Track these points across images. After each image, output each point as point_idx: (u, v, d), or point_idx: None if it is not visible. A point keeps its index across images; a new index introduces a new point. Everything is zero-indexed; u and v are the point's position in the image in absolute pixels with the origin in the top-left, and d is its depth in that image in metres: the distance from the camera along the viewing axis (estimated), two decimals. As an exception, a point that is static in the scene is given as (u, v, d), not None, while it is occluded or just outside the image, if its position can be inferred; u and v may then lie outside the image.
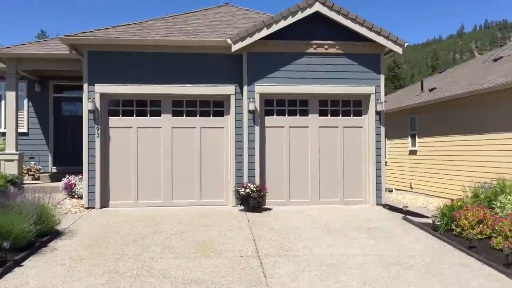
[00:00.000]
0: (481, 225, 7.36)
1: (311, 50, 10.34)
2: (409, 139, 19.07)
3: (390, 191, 20.46)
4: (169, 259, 6.29)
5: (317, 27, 10.30)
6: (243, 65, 10.23)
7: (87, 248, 6.81)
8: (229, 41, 9.89)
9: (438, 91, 17.67)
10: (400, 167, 20.25)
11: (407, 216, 9.28)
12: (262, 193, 9.68)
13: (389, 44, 10.20)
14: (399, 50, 10.24)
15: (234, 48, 9.90)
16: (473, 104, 14.23)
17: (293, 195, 10.47)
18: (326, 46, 10.37)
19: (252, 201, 9.55)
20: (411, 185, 18.61)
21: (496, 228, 6.97)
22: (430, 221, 8.48)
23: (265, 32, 9.96)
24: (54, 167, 13.49)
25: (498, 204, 8.00)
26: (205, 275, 5.66)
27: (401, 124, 19.55)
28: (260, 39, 10.03)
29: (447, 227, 7.95)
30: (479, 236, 7.29)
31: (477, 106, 14.00)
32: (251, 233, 7.76)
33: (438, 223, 8.15)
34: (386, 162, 20.98)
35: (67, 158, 13.25)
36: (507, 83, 12.19)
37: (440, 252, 6.80)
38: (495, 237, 6.91)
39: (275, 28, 9.98)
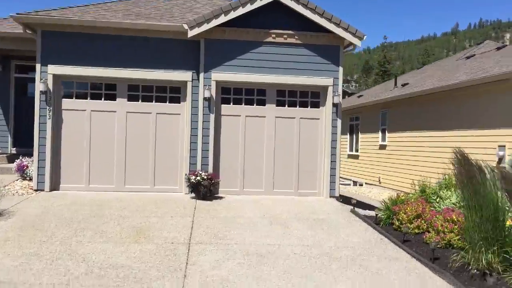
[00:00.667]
0: (419, 220, 7.38)
1: (270, 39, 10.24)
2: (380, 133, 19.12)
3: (361, 185, 20.61)
4: (96, 244, 6.21)
5: (277, 16, 10.20)
6: (200, 52, 10.09)
7: (18, 230, 6.70)
8: (185, 26, 9.74)
9: (409, 87, 17.72)
10: (371, 161, 20.32)
11: (356, 209, 9.29)
12: (213, 181, 9.62)
13: (348, 36, 10.13)
14: (357, 42, 10.18)
15: (191, 33, 9.76)
16: (439, 101, 14.28)
17: (247, 185, 10.42)
18: (285, 36, 10.27)
19: (203, 189, 9.49)
20: (379, 180, 18.71)
21: (431, 222, 7.00)
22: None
23: (222, 19, 9.83)
24: (14, 148, 13.27)
25: (438, 199, 8.04)
26: (127, 260, 5.60)
27: (373, 118, 19.60)
28: (218, 25, 9.90)
29: (389, 220, 7.97)
30: (416, 231, 7.33)
31: (443, 103, 14.05)
32: (192, 221, 7.70)
33: (382, 216, 8.17)
34: (357, 156, 21.16)
35: (28, 140, 12.94)
36: (468, 81, 12.23)
37: (375, 245, 6.81)
38: (429, 232, 6.94)
39: (233, 15, 9.85)
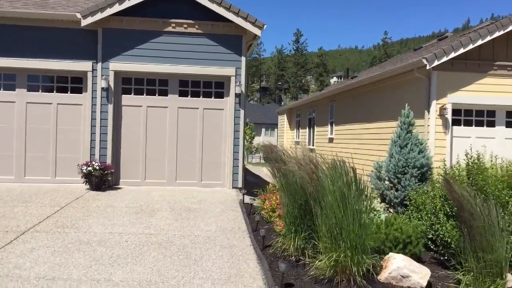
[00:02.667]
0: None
1: (170, 28, 10.13)
2: (329, 127, 19.00)
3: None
4: None
5: (177, 5, 10.10)
6: (98, 41, 9.98)
7: None
8: (78, 15, 9.63)
9: (355, 79, 17.56)
10: (324, 154, 20.13)
11: (245, 199, 9.18)
12: (106, 171, 9.53)
13: (247, 26, 10.01)
14: (257, 32, 10.06)
15: (84, 23, 9.66)
16: (368, 93, 14.12)
17: (149, 176, 10.33)
18: (185, 26, 10.16)
19: (95, 180, 9.41)
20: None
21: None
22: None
23: (117, 8, 9.72)
24: None
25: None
26: None
27: (325, 112, 19.49)
28: (114, 14, 9.79)
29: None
30: (278, 219, 7.22)
31: (371, 95, 13.90)
32: (57, 210, 7.62)
33: (257, 205, 8.08)
34: (313, 149, 21.04)
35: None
36: (380, 74, 12.14)
37: (225, 234, 6.72)
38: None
39: (128, 4, 9.75)
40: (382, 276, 5.00)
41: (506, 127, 10.52)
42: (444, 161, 7.31)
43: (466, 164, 5.88)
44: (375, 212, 6.73)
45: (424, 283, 4.81)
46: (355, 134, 15.29)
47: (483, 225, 4.36)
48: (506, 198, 5.38)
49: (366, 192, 6.06)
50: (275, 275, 5.04)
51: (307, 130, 22.53)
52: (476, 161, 6.02)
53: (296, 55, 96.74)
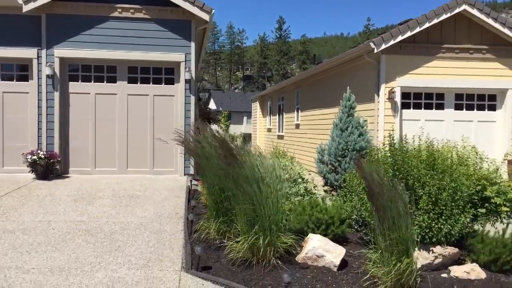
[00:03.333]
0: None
1: (116, 14, 9.96)
2: (295, 113, 19.01)
3: (283, 165, 20.49)
4: None
5: (123, -10, 9.89)
6: (41, 27, 9.76)
7: None
8: (20, 0, 9.37)
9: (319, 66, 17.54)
10: (292, 141, 20.23)
11: (193, 185, 9.16)
12: (52, 160, 9.39)
13: (195, 10, 9.89)
14: (206, 16, 9.95)
15: (26, 8, 9.43)
16: (329, 79, 14.11)
17: (99, 164, 10.21)
18: (132, 10, 9.99)
19: (40, 169, 9.26)
20: (294, 159, 18.60)
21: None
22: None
23: (60, -7, 9.48)
24: None
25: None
26: None
27: (292, 98, 19.48)
28: (57, 0, 9.55)
29: (204, 196, 7.86)
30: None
31: (331, 81, 13.90)
32: (-6, 200, 7.48)
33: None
34: (282, 136, 21.07)
35: None
36: (331, 61, 12.14)
37: (160, 219, 6.70)
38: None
39: (71, -11, 9.50)
40: (300, 257, 5.04)
41: (455, 109, 10.64)
42: (383, 143, 7.34)
43: (390, 145, 5.93)
44: (311, 195, 6.79)
45: (337, 262, 4.86)
46: (317, 119, 15.34)
47: (388, 204, 4.40)
48: (426, 178, 5.44)
49: (288, 177, 6.11)
50: (195, 259, 5.04)
51: (277, 117, 22.54)
52: (402, 142, 6.07)
53: (279, 43, 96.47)
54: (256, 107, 29.46)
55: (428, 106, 10.61)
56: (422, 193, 5.17)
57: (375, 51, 9.85)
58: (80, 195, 8.03)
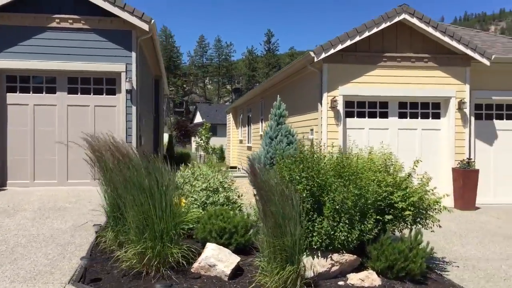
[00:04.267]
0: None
1: (54, 24, 9.86)
2: (260, 123, 18.98)
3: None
4: None
5: (61, 0, 9.81)
6: (-24, 39, 9.63)
7: None
8: (-48, 11, 9.23)
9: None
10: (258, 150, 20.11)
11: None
12: (-16, 173, 9.17)
13: (134, 20, 9.85)
14: (145, 26, 9.90)
15: (-41, 19, 9.26)
16: (285, 88, 14.07)
17: (38, 177, 10.03)
18: (70, 21, 9.91)
19: (-28, 181, 9.03)
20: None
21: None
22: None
23: (-5, 4, 9.37)
24: None
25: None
26: None
27: (257, 109, 19.46)
28: (-8, 10, 9.43)
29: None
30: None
31: (287, 90, 13.87)
32: None
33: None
34: (251, 147, 20.98)
35: None
36: (287, 68, 12.12)
37: (75, 231, 6.55)
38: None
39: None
40: (194, 267, 4.92)
41: (399, 118, 10.65)
42: (300, 151, 7.26)
43: (300, 152, 5.85)
44: (232, 204, 6.68)
45: (228, 272, 4.74)
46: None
47: (275, 210, 4.31)
48: (330, 185, 5.35)
49: (207, 186, 6.03)
50: (88, 271, 4.89)
51: (246, 128, 22.51)
52: (317, 149, 6.01)
53: (267, 56, 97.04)
54: (229, 118, 29.44)
55: (373, 115, 10.61)
56: (326, 200, 5.08)
57: (315, 60, 9.86)
58: (4, 208, 7.83)
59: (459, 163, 10.32)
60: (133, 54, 10.13)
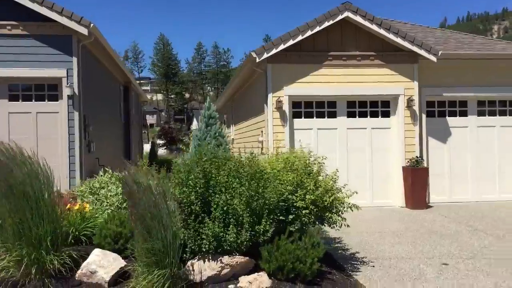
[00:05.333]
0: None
1: (-8, 31, 9.69)
2: (231, 127, 18.83)
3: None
4: None
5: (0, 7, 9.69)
6: None
7: None
8: None
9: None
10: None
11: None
12: None
13: (73, 25, 9.71)
14: (84, 31, 9.75)
15: None
16: (246, 90, 13.93)
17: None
18: (8, 27, 9.77)
19: None
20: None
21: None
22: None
23: None
24: None
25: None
26: None
27: (229, 113, 19.32)
28: None
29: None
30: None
31: (247, 92, 13.73)
32: None
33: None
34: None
35: None
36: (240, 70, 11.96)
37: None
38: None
39: None
40: (78, 274, 4.74)
41: (347, 117, 10.50)
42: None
43: (200, 152, 5.69)
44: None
45: (108, 278, 4.58)
46: (244, 132, 15.14)
47: (145, 213, 4.15)
48: (234, 185, 5.18)
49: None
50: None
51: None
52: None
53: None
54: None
55: (321, 115, 10.46)
56: (217, 202, 4.92)
57: (257, 60, 9.72)
58: None
59: (408, 161, 10.15)
60: (74, 59, 9.99)
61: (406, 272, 5.73)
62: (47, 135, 10.07)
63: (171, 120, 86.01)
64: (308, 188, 5.34)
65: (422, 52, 10.08)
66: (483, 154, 11.07)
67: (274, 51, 9.76)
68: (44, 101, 10.15)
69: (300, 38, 9.85)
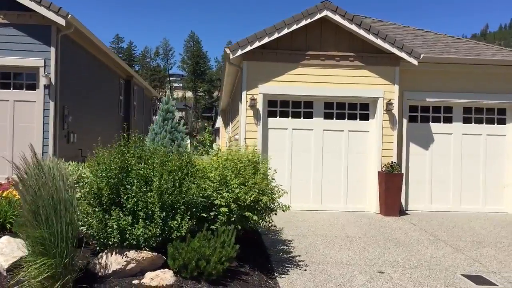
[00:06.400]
0: None
1: (-27, 19, 9.88)
2: (230, 124, 18.75)
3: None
4: None
5: (-21, -5, 9.87)
6: None
7: None
8: None
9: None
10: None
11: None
12: None
13: (51, 15, 9.83)
14: (62, 21, 9.84)
15: None
16: (235, 90, 13.83)
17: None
18: (-11, 16, 9.92)
19: None
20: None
21: None
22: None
23: None
24: None
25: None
26: None
27: (230, 111, 19.27)
28: None
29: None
30: None
31: (235, 90, 13.61)
32: None
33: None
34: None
35: None
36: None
37: None
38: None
39: None
40: (-16, 260, 4.73)
41: (324, 118, 10.27)
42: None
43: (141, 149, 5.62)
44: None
45: (6, 266, 4.55)
46: (231, 131, 15.07)
47: (31, 198, 4.09)
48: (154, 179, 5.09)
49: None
50: None
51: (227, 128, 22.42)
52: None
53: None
54: (219, 120, 29.48)
55: (297, 115, 10.26)
56: (129, 194, 4.84)
57: (231, 57, 9.61)
58: None
59: (383, 166, 9.86)
60: (52, 49, 10.09)
61: (335, 278, 5.53)
62: (24, 124, 10.18)
63: (199, 117, 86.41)
64: (232, 186, 5.19)
65: (402, 55, 9.77)
66: (468, 163, 10.66)
67: (248, 48, 9.62)
68: (22, 89, 10.25)
69: (276, 35, 9.67)
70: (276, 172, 5.91)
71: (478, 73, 10.55)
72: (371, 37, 9.79)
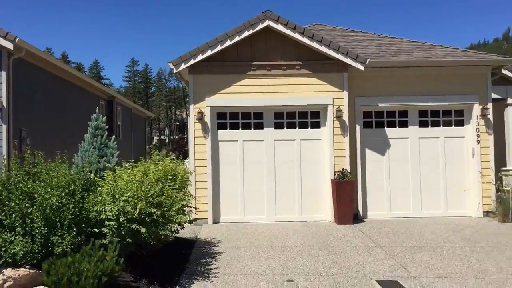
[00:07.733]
0: None
1: None
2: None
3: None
4: None
5: None
6: None
7: None
8: None
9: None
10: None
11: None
12: None
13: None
14: (9, 45, 10.02)
15: None
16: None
17: None
18: None
19: None
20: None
21: None
22: None
23: None
24: None
25: None
26: None
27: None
28: None
29: None
30: None
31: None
32: None
33: None
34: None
35: None
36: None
37: None
38: None
39: None
40: None
41: (275, 128, 10.19)
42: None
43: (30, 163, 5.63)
44: None
45: None
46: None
47: None
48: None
49: None
50: None
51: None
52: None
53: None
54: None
55: (247, 126, 10.20)
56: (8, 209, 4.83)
57: (174, 71, 9.66)
58: None
59: (335, 174, 9.70)
60: (3, 73, 10.25)
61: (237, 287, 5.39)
62: (-23, 147, 10.29)
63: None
64: (121, 199, 5.13)
65: (348, 61, 9.68)
66: (427, 167, 10.43)
67: (192, 61, 9.65)
68: (-23, 114, 10.39)
69: (219, 48, 9.69)
70: (192, 183, 5.81)
71: (433, 76, 10.39)
72: (315, 45, 9.74)
